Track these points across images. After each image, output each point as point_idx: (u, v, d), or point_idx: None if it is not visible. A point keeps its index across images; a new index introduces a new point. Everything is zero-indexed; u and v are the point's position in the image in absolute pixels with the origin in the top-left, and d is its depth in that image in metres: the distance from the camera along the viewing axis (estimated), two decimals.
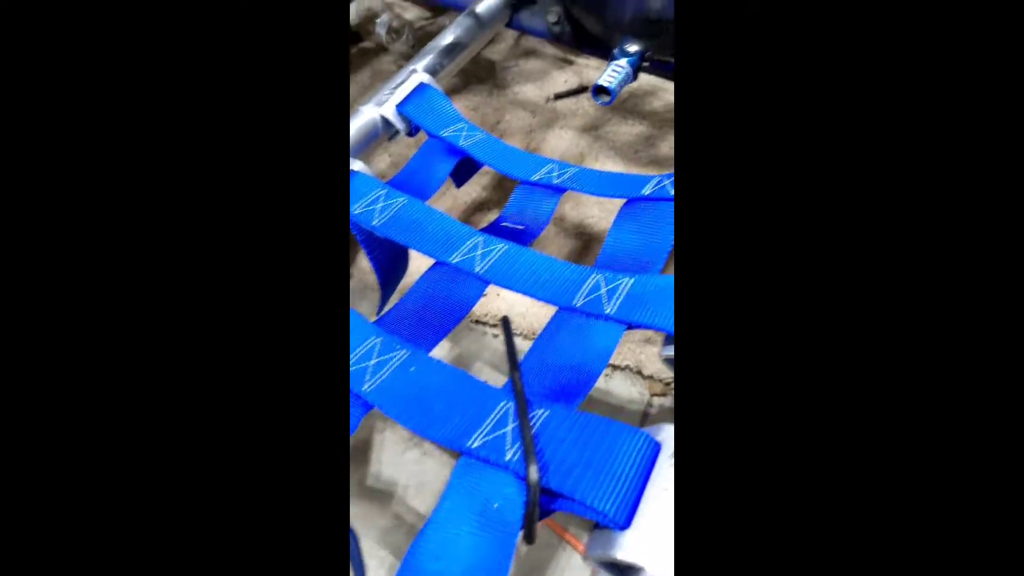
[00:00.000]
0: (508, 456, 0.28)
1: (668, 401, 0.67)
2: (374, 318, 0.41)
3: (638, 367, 0.68)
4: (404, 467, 0.63)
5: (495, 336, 0.73)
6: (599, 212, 0.82)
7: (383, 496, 0.62)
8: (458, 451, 0.30)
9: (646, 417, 0.66)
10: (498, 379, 0.69)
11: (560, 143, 0.92)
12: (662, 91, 0.98)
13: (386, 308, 0.47)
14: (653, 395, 0.67)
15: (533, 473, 0.27)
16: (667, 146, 0.90)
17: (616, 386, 0.67)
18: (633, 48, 0.48)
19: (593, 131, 0.94)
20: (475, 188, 0.86)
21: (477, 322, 0.73)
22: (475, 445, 0.29)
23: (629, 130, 0.93)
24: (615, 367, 0.68)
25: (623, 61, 0.48)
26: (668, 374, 0.69)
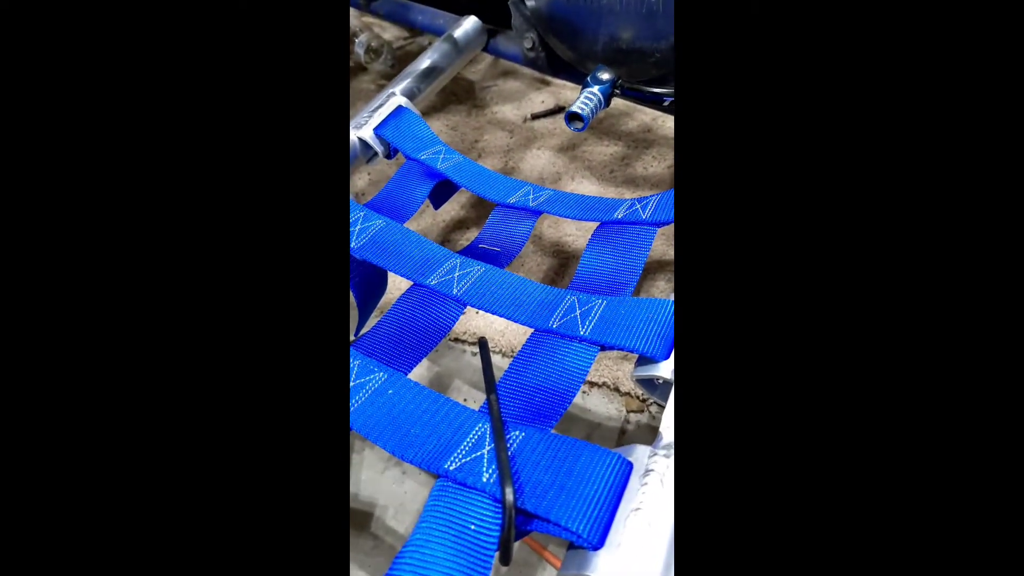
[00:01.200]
0: (484, 478, 0.29)
1: (644, 418, 0.68)
2: (352, 339, 0.42)
3: (615, 384, 0.69)
4: (383, 487, 0.63)
5: (473, 354, 0.74)
6: (576, 231, 0.83)
7: (362, 517, 0.61)
8: (435, 473, 0.30)
9: (623, 434, 0.67)
10: (477, 396, 0.69)
11: (537, 163, 0.94)
12: (637, 112, 1.00)
13: (364, 329, 0.47)
14: (630, 411, 0.68)
15: (509, 495, 0.27)
16: (641, 166, 0.92)
17: (594, 403, 0.68)
18: (605, 76, 0.50)
19: (570, 151, 0.95)
20: (453, 207, 0.86)
21: (455, 340, 0.74)
22: (452, 468, 0.30)
23: (604, 150, 0.95)
24: (592, 384, 0.69)
25: (595, 89, 0.50)
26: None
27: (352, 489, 0.63)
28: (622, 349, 0.36)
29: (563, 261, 0.80)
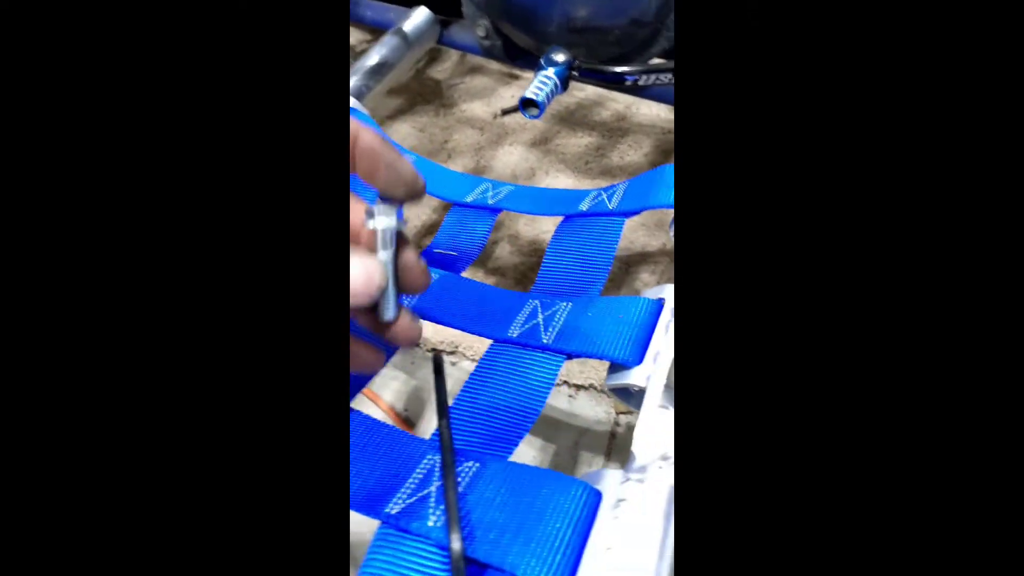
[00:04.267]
0: (431, 522, 0.25)
1: (634, 419, 0.64)
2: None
3: (602, 386, 0.65)
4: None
5: (452, 364, 0.70)
6: (553, 228, 0.79)
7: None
8: (378, 519, 0.26)
9: (614, 437, 0.63)
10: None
11: (510, 159, 0.90)
12: (610, 101, 0.96)
13: None
14: (619, 413, 0.64)
15: (456, 544, 0.23)
16: (617, 156, 0.88)
17: (581, 407, 0.64)
18: (560, 57, 0.46)
19: (542, 145, 0.92)
20: (424, 210, 0.83)
21: (432, 351, 0.70)
22: (394, 511, 0.26)
23: (578, 142, 0.91)
24: (579, 387, 0.65)
25: (550, 71, 0.46)
26: None
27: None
28: (589, 356, 0.32)
29: (541, 260, 0.77)
